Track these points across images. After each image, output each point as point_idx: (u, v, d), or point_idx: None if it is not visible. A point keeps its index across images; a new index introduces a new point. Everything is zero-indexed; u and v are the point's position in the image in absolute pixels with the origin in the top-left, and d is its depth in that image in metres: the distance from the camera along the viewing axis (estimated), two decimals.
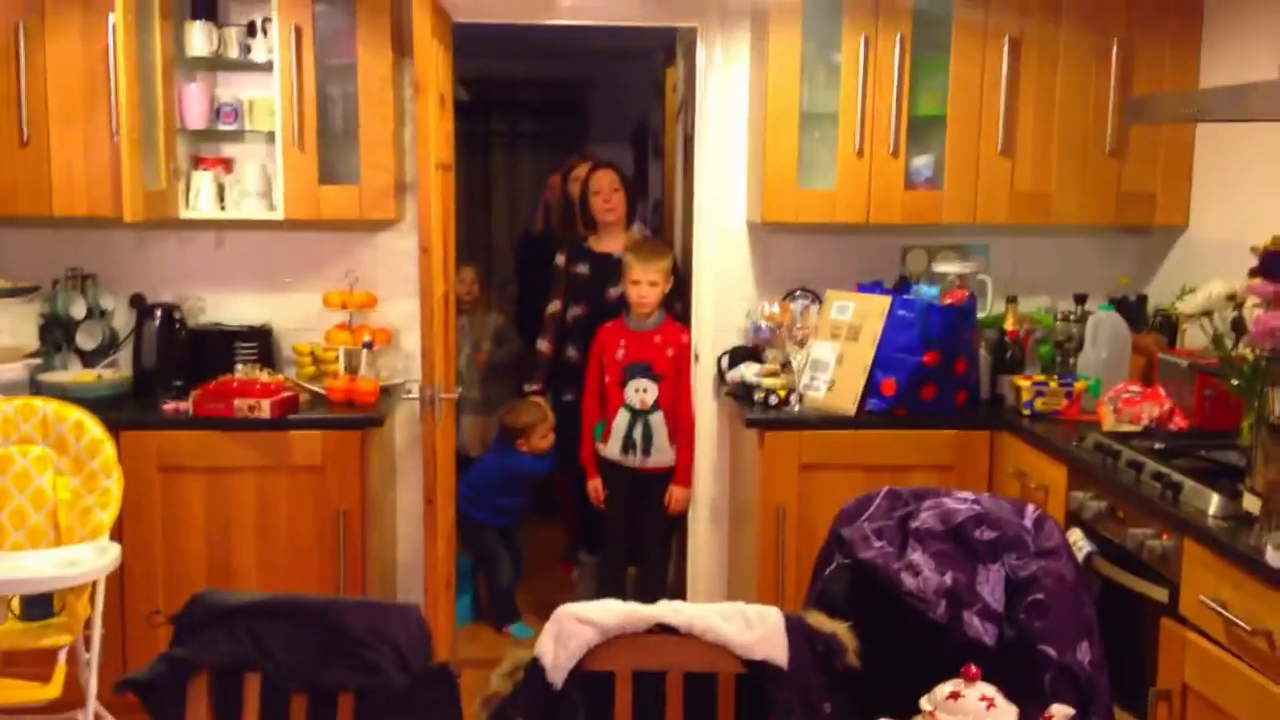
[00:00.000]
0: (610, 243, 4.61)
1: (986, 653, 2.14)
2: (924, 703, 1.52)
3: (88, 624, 3.19)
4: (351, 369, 4.04)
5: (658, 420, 4.30)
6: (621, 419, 4.32)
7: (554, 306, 4.68)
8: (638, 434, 4.30)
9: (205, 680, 2.06)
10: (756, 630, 1.99)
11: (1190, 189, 3.96)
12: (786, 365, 3.96)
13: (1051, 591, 2.19)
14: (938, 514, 2.29)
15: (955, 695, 1.50)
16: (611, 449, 4.36)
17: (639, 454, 4.32)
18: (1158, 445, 3.10)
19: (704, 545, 4.44)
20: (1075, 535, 3.07)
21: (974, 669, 1.52)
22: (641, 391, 4.28)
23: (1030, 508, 2.32)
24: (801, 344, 3.88)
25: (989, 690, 1.51)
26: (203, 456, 3.68)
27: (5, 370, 3.72)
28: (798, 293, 4.25)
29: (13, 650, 3.20)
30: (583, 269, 4.64)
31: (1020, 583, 2.21)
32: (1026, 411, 3.69)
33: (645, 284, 4.24)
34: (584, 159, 5.22)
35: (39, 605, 3.16)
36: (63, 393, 3.64)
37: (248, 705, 2.05)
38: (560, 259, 4.71)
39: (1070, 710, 1.53)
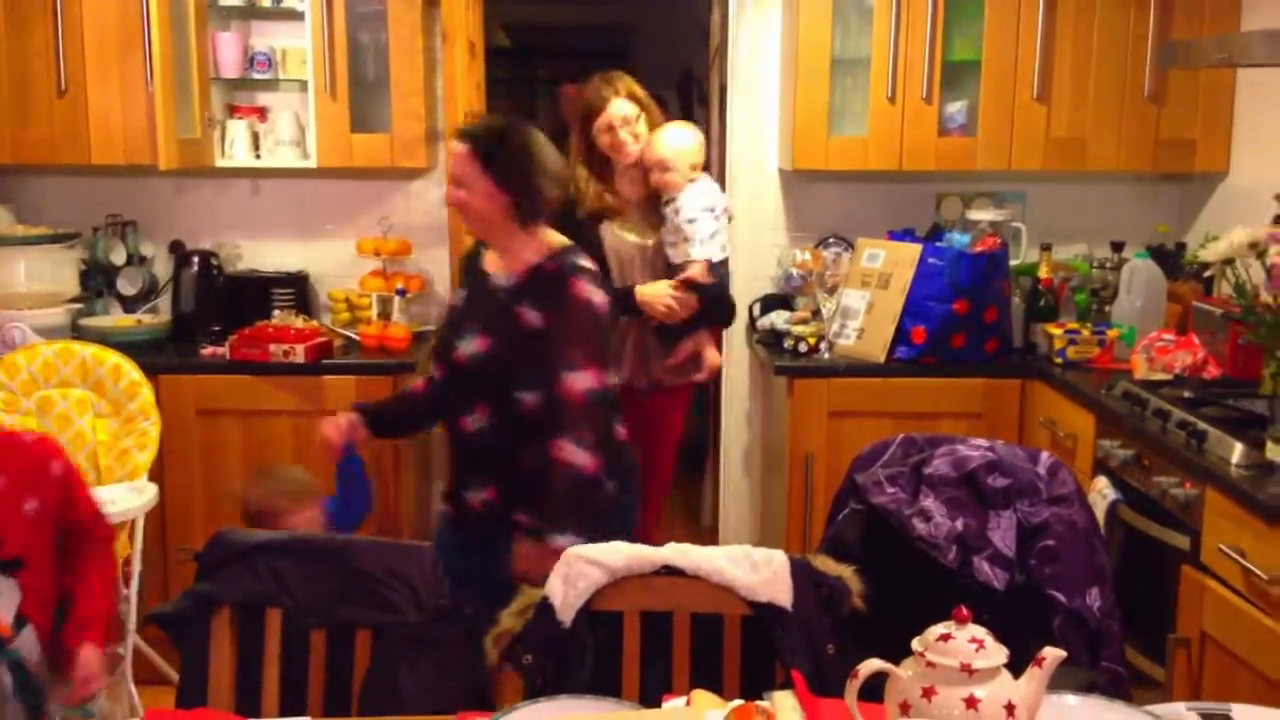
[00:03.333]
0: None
1: (997, 598, 2.17)
2: (915, 644, 1.53)
3: (127, 562, 3.28)
4: (385, 315, 4.09)
5: None
6: None
7: None
8: None
9: (228, 615, 2.12)
10: (762, 573, 2.01)
11: (1230, 135, 3.88)
12: (817, 313, 3.95)
13: (1062, 537, 2.21)
14: (951, 460, 2.31)
15: (946, 637, 1.51)
16: None
17: None
18: (1186, 394, 3.07)
19: (734, 492, 4.47)
20: (1101, 483, 3.07)
21: (964, 611, 1.53)
22: None
23: (1044, 455, 2.33)
24: (832, 291, 3.88)
25: (979, 632, 1.52)
26: (239, 400, 3.75)
27: (46, 315, 3.80)
28: (830, 240, 4.24)
29: None
30: None
31: (1032, 529, 2.23)
32: (1059, 360, 3.67)
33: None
34: None
35: None
36: (103, 337, 3.72)
37: (269, 640, 2.11)
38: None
39: (1061, 653, 1.53)
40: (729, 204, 3.66)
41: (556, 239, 2.77)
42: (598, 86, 3.49)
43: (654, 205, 3.54)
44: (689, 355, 3.57)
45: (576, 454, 2.54)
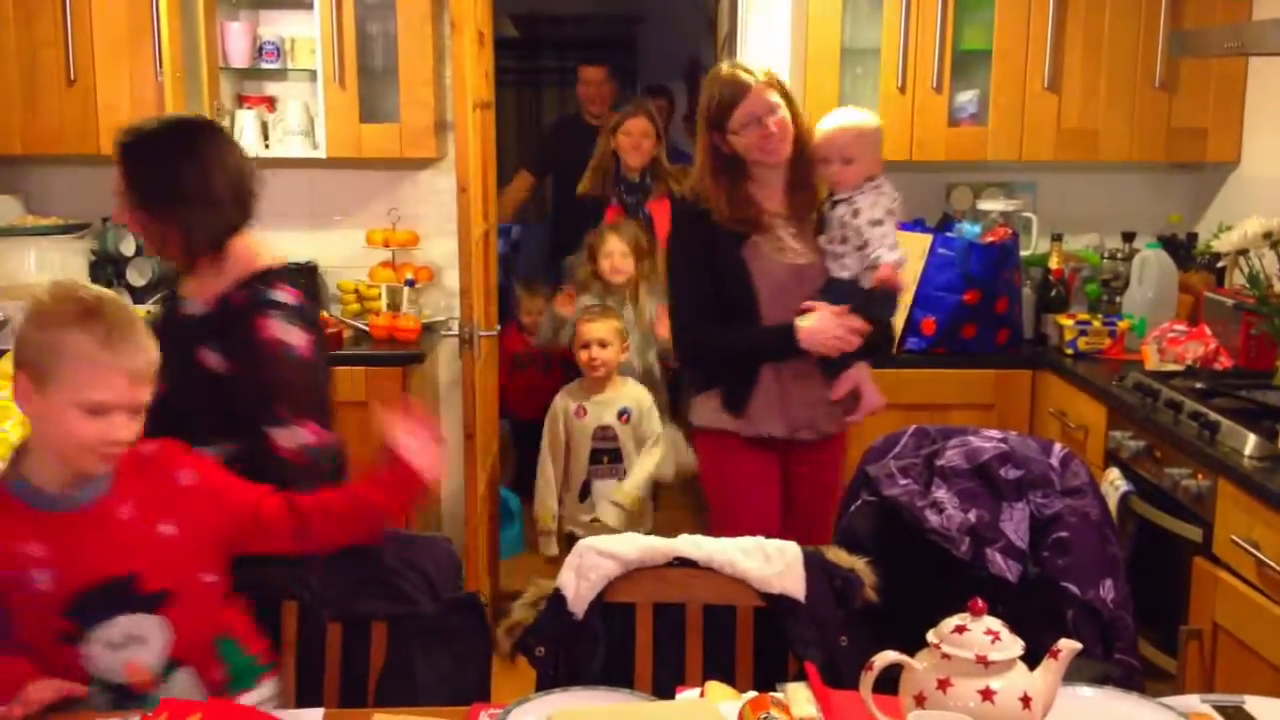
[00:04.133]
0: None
1: (1010, 590, 2.16)
2: (930, 636, 1.53)
3: None
4: (394, 306, 4.09)
5: None
6: None
7: None
8: None
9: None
10: (775, 565, 2.01)
11: (1242, 125, 3.86)
12: None
13: (1075, 529, 2.20)
14: (964, 452, 2.30)
15: (961, 629, 1.51)
16: None
17: None
18: (1198, 385, 3.06)
19: None
20: (1113, 475, 3.06)
21: (980, 603, 1.53)
22: None
23: (1057, 446, 2.33)
24: None
25: (995, 624, 1.52)
26: None
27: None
28: None
29: None
30: None
31: (1045, 521, 2.22)
32: (1069, 351, 3.66)
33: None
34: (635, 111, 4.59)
35: None
36: None
37: (285, 630, 2.11)
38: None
39: (1077, 645, 1.53)
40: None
41: (262, 258, 2.25)
42: (730, 75, 2.84)
43: (804, 214, 2.93)
44: (848, 393, 2.94)
45: None
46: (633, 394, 3.96)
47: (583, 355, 3.89)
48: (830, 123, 2.89)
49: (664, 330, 3.89)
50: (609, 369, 3.89)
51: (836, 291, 2.85)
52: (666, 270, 3.20)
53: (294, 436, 2.11)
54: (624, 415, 3.93)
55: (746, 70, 2.84)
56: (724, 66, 2.91)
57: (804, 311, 2.83)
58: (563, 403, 3.98)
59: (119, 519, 1.83)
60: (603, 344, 3.86)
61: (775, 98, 2.81)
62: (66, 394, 1.71)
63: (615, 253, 4.13)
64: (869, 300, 2.84)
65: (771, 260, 2.87)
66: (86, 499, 1.81)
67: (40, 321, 1.76)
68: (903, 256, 2.85)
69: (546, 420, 4.00)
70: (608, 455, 3.95)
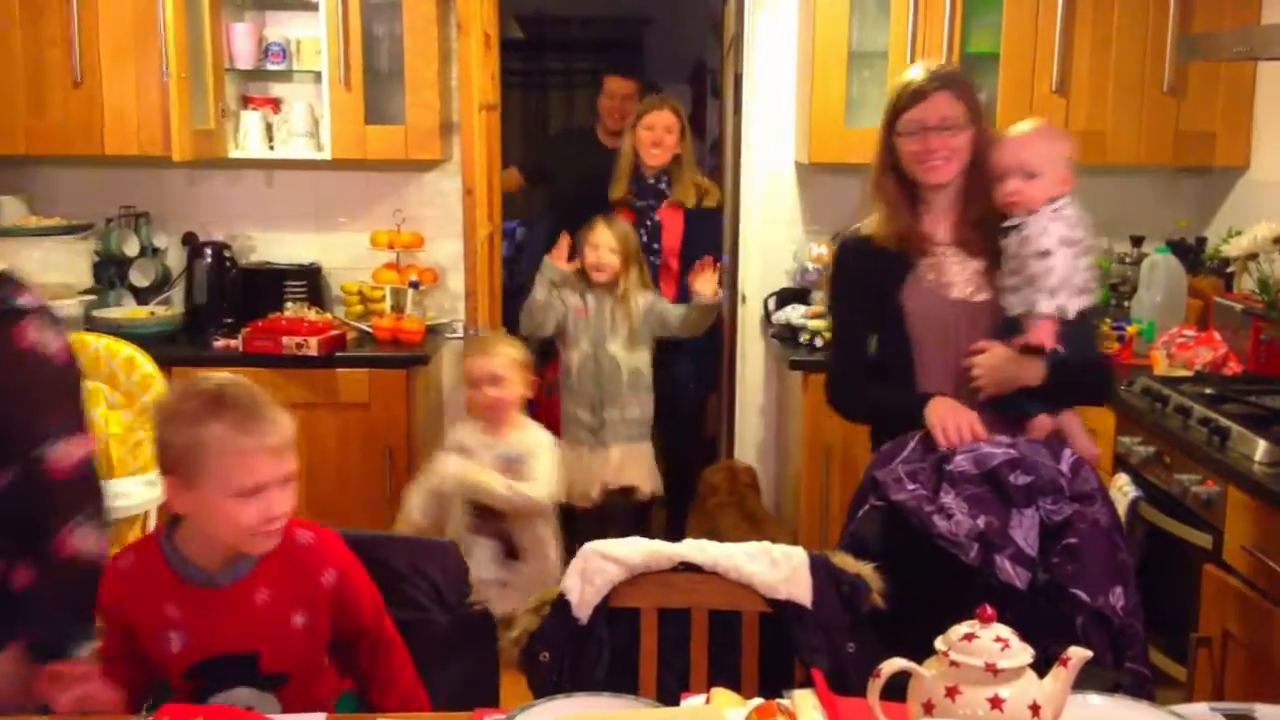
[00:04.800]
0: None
1: (1019, 597, 2.14)
2: (939, 643, 1.51)
3: None
4: (398, 308, 4.08)
5: None
6: None
7: None
8: None
9: None
10: (781, 570, 1.99)
11: (1251, 129, 3.84)
12: None
13: (1085, 535, 2.18)
14: (973, 458, 2.28)
15: (970, 637, 1.49)
16: None
17: None
18: (1208, 390, 3.04)
19: None
20: (1121, 480, 3.04)
21: (989, 610, 1.51)
22: None
23: (1067, 452, 2.30)
24: None
25: (1004, 632, 1.50)
26: None
27: (59, 306, 3.79)
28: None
29: None
30: None
31: (1054, 527, 2.20)
32: None
33: None
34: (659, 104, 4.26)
35: None
36: (116, 329, 3.71)
37: None
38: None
39: (1087, 653, 1.51)
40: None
41: None
42: (911, 75, 2.51)
43: (975, 240, 2.51)
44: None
45: (89, 539, 1.91)
46: (531, 440, 3.34)
47: (470, 394, 3.35)
48: (1014, 131, 2.50)
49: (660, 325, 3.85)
50: (502, 409, 3.29)
51: (1004, 333, 2.44)
52: (828, 309, 2.88)
53: (70, 451, 1.93)
54: (511, 463, 3.28)
55: (933, 75, 2.49)
56: (917, 65, 2.60)
57: (975, 353, 2.45)
58: (453, 440, 3.39)
59: (254, 602, 1.86)
60: (494, 380, 3.27)
61: (955, 111, 2.44)
62: (217, 486, 1.75)
63: (602, 245, 3.87)
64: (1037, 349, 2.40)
65: (933, 296, 2.50)
66: (228, 580, 1.85)
67: (173, 423, 1.79)
68: (1074, 301, 2.35)
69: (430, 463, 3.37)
70: (486, 513, 3.29)
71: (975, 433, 2.35)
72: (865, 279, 2.57)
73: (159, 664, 1.88)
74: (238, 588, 1.85)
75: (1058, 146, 2.45)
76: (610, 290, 3.91)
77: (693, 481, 4.21)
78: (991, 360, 2.42)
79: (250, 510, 1.76)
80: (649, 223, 4.18)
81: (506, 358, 3.28)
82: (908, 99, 2.47)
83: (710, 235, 4.32)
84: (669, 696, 1.88)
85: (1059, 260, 2.33)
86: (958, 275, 2.50)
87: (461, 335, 3.65)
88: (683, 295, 4.03)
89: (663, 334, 4.00)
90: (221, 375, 1.87)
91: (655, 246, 4.17)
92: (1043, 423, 2.43)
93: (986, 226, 2.48)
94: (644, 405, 3.99)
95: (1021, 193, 2.40)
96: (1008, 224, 2.42)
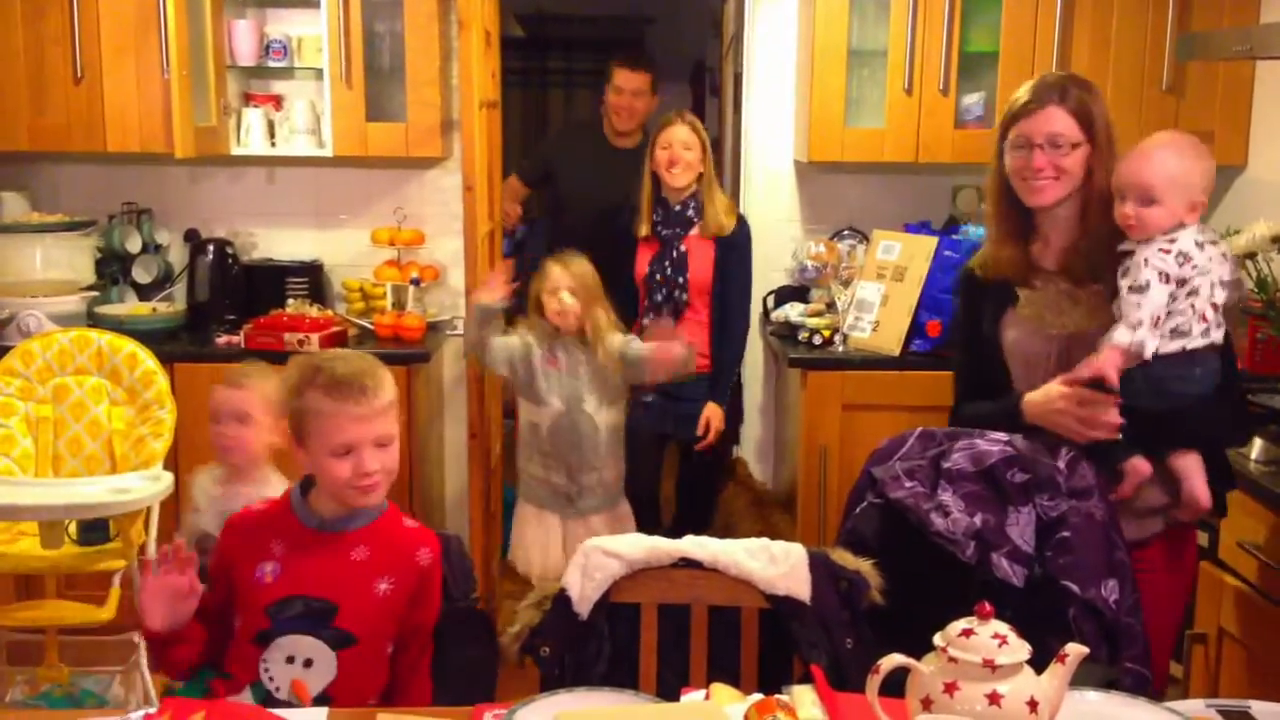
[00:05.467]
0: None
1: (1016, 594, 2.15)
2: (937, 639, 1.53)
3: (142, 549, 3.28)
4: (399, 305, 4.09)
5: None
6: None
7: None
8: None
9: None
10: (780, 566, 2.01)
11: (1249, 128, 3.85)
12: (832, 305, 3.94)
13: (1078, 529, 2.18)
14: (970, 455, 2.28)
15: (968, 633, 1.51)
16: None
17: None
18: None
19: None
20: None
21: (987, 607, 1.52)
22: None
23: (1064, 449, 2.30)
24: (847, 284, 3.87)
25: (1002, 628, 1.51)
26: None
27: (62, 303, 3.81)
28: (845, 232, 4.22)
29: (70, 573, 3.31)
30: None
31: (1050, 522, 2.20)
32: None
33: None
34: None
35: (95, 530, 3.24)
36: (118, 325, 3.72)
37: None
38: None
39: (1084, 649, 1.52)
40: (1215, 270, 2.20)
41: None
42: (1029, 85, 2.34)
43: (1087, 269, 2.34)
44: (1135, 489, 2.28)
45: None
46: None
47: (211, 431, 2.76)
48: (1141, 146, 2.25)
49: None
50: (243, 453, 2.74)
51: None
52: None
53: None
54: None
55: (1053, 85, 2.31)
56: (1045, 75, 2.42)
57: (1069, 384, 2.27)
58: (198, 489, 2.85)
59: (349, 556, 2.03)
60: (242, 420, 2.71)
61: (1066, 127, 2.28)
62: (317, 445, 1.99)
63: (560, 288, 3.43)
64: (1128, 381, 2.19)
65: (1028, 328, 2.39)
66: (336, 528, 2.04)
67: (288, 391, 2.04)
68: (1151, 338, 2.14)
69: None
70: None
71: (1095, 417, 2.22)
72: (972, 310, 2.51)
73: (246, 603, 2.01)
74: (341, 537, 2.03)
75: (1187, 166, 2.19)
76: (581, 339, 3.49)
77: (713, 500, 4.16)
78: (1046, 394, 2.29)
79: (344, 466, 1.97)
80: (674, 254, 3.79)
81: (260, 394, 2.69)
82: (1018, 110, 2.31)
83: (744, 269, 3.88)
84: (669, 692, 1.90)
85: (1152, 296, 2.13)
86: (1058, 308, 2.36)
87: (460, 332, 3.66)
88: (711, 337, 3.83)
89: (636, 382, 3.57)
90: (339, 350, 2.13)
91: (681, 280, 3.79)
92: (1135, 467, 2.25)
93: (1103, 253, 2.27)
94: (619, 463, 3.61)
95: (1136, 217, 2.18)
96: (1121, 247, 2.23)
